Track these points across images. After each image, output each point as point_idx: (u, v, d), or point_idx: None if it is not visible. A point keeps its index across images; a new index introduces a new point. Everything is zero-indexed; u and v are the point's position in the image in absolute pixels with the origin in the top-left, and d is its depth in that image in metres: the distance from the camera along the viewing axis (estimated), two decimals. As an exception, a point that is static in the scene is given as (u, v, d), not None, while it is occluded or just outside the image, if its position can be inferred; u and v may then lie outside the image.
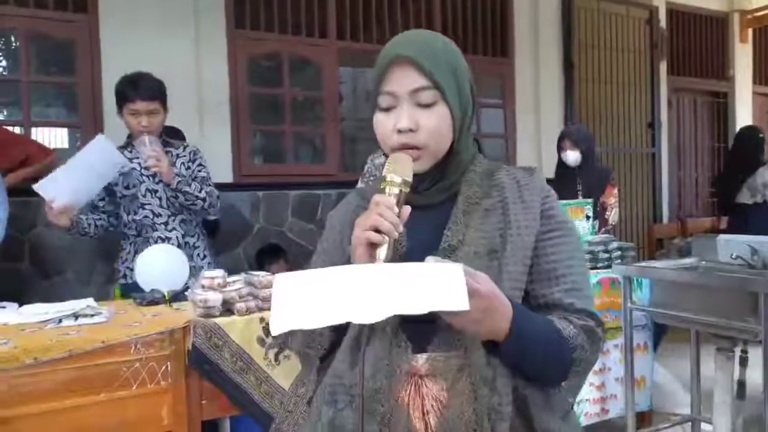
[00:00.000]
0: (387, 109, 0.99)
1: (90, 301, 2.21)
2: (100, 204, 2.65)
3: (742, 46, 6.48)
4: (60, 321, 1.94)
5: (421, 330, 0.95)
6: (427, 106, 0.97)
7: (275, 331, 0.76)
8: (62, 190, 2.31)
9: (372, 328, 0.93)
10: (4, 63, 3.94)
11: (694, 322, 2.43)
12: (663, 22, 5.81)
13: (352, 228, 0.99)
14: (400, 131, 0.97)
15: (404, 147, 0.97)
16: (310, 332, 1.00)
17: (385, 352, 0.94)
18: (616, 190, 3.53)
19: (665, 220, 5.88)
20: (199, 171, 2.73)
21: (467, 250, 0.96)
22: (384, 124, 1.00)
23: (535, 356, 0.90)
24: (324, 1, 4.25)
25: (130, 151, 2.65)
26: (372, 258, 0.88)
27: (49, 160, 3.09)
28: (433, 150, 0.99)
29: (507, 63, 5.04)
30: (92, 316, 1.98)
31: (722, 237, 2.62)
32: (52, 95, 3.88)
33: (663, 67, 5.83)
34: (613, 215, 3.47)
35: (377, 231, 0.87)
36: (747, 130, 4.84)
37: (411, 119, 0.96)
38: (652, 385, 3.00)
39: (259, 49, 4.10)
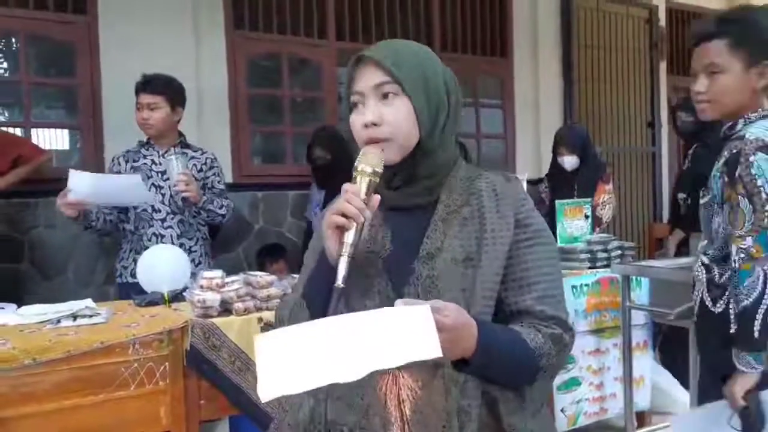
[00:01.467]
0: (356, 106, 1.06)
1: (89, 301, 2.22)
2: None
3: (742, 45, 6.46)
4: (58, 321, 1.95)
5: None
6: (387, 97, 1.03)
7: (264, 398, 0.79)
8: (84, 188, 2.36)
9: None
10: (5, 64, 3.94)
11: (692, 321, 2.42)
12: (663, 21, 5.81)
13: None
14: (365, 126, 1.03)
15: (371, 141, 1.03)
16: (294, 320, 1.03)
17: None
18: (609, 187, 3.52)
19: (665, 219, 5.88)
20: (218, 182, 2.81)
21: (445, 257, 1.00)
22: (355, 122, 1.06)
23: (500, 368, 0.96)
24: (323, 2, 4.26)
25: (147, 149, 2.74)
26: (340, 241, 0.94)
27: (44, 159, 3.10)
28: (399, 143, 1.04)
29: (505, 63, 5.04)
30: (90, 316, 1.98)
31: (720, 236, 2.61)
32: (52, 97, 3.89)
33: (663, 66, 5.83)
34: (606, 213, 3.46)
35: (344, 216, 0.94)
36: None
37: (375, 113, 1.02)
38: (651, 384, 3.00)
39: (258, 49, 4.11)
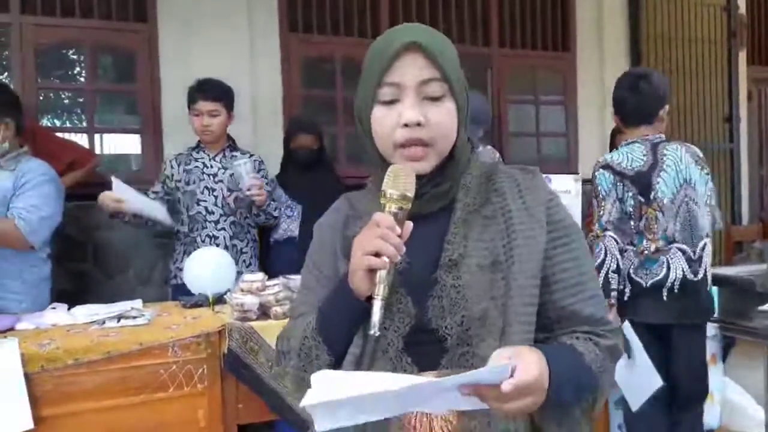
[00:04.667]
0: (390, 102, 0.92)
1: (137, 302, 2.28)
2: (150, 195, 2.76)
3: (834, 31, 5.94)
4: (104, 322, 2.00)
5: (427, 351, 0.91)
6: (436, 99, 0.91)
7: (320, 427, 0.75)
8: (122, 194, 2.51)
9: (374, 351, 0.90)
10: (71, 73, 4.13)
11: (762, 334, 2.22)
12: (742, 9, 5.42)
13: (343, 237, 0.98)
14: (406, 125, 0.90)
15: (410, 143, 0.91)
16: (306, 355, 0.95)
17: None
18: None
19: (745, 221, 5.48)
20: (266, 185, 2.80)
21: (469, 263, 0.90)
22: (385, 120, 0.92)
23: (566, 404, 0.87)
24: (376, 2, 4.22)
25: (198, 152, 2.81)
26: (372, 282, 0.85)
27: (94, 163, 3.21)
28: (439, 148, 0.93)
29: (568, 58, 4.83)
30: (135, 317, 2.02)
31: (798, 241, 2.39)
32: (114, 103, 4.04)
33: (742, 56, 5.42)
34: None
35: (377, 255, 0.83)
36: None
37: (419, 112, 0.90)
38: (722, 400, 2.78)
39: (313, 51, 4.12)
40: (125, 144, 4.11)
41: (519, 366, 0.76)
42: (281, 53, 3.95)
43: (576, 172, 4.35)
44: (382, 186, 0.88)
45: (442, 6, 4.44)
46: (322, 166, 3.12)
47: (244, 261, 2.80)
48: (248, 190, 2.57)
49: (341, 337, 0.92)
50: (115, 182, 2.50)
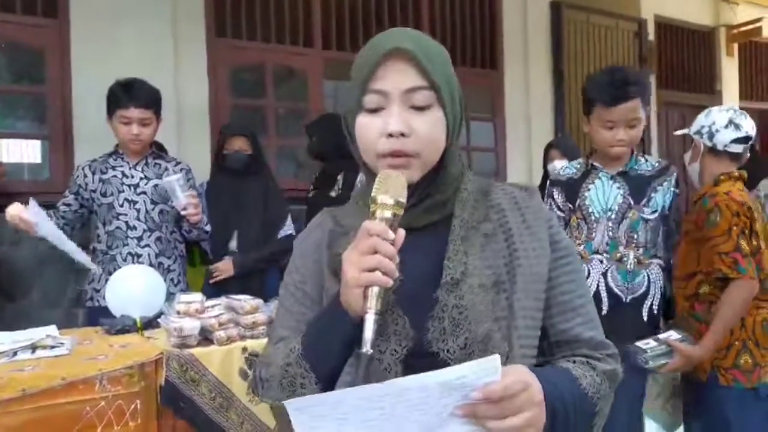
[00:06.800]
0: (374, 110, 0.87)
1: (52, 329, 2.00)
2: (62, 208, 2.47)
3: (729, 61, 6.45)
4: (15, 354, 1.73)
5: (427, 370, 0.82)
6: (422, 108, 0.87)
7: None
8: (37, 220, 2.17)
9: (369, 376, 0.82)
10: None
11: None
12: (651, 35, 5.76)
13: (330, 254, 0.91)
14: (390, 135, 0.85)
15: (393, 154, 0.86)
16: (290, 384, 0.86)
17: None
18: None
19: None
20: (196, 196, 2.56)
21: (471, 283, 0.86)
22: (369, 128, 0.88)
23: (561, 427, 0.81)
24: (309, 9, 4.11)
25: (115, 159, 2.53)
26: (365, 298, 0.78)
27: None
28: (424, 159, 0.88)
29: (496, 75, 4.94)
30: (52, 347, 1.77)
31: None
32: (18, 105, 3.65)
33: (652, 80, 5.76)
34: None
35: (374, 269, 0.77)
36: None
37: (404, 122, 0.85)
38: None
39: (241, 58, 3.93)
40: (28, 152, 3.71)
41: (508, 368, 0.72)
42: (208, 59, 3.74)
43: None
44: (371, 194, 0.82)
45: (375, 18, 4.39)
46: (257, 172, 2.84)
47: (173, 280, 2.56)
48: (184, 209, 2.34)
49: (332, 363, 0.84)
50: (32, 204, 2.15)
